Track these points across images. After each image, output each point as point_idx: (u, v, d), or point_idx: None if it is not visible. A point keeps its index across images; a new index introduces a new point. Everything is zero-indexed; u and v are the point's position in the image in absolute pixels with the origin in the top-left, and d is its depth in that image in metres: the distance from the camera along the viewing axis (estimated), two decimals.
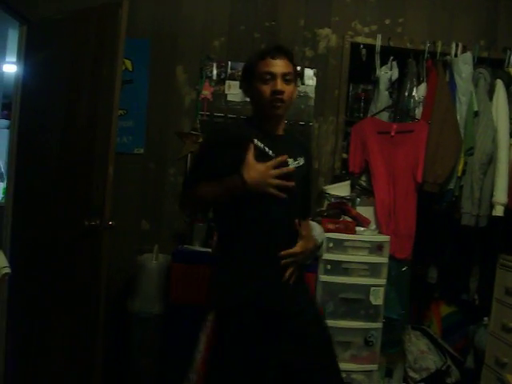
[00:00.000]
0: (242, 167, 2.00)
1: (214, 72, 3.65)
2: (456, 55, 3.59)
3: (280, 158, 2.05)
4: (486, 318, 3.66)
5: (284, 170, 2.05)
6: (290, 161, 2.14)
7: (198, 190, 2.09)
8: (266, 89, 2.07)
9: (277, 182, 2.02)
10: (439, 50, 3.63)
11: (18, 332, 3.23)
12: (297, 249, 2.13)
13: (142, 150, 3.67)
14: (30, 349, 3.10)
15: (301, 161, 2.19)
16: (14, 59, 3.92)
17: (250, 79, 2.13)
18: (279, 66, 2.08)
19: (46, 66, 3.29)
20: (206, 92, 3.63)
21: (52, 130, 3.20)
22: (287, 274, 2.08)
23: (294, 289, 2.14)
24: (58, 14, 3.25)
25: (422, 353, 3.67)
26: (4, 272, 2.22)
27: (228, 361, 2.06)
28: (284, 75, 2.08)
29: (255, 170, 2.00)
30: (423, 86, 3.60)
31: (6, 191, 3.57)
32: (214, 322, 2.30)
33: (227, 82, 3.65)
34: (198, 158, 2.28)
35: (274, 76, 2.07)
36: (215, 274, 2.21)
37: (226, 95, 3.65)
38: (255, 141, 2.07)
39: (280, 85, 2.06)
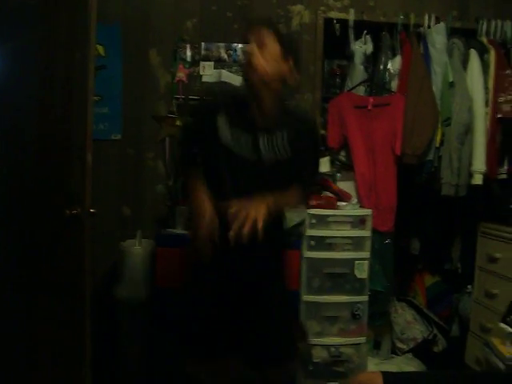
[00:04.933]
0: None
1: (188, 54, 3.62)
2: (429, 26, 3.59)
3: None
4: (469, 286, 3.72)
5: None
6: (281, 147, 2.15)
7: (189, 183, 2.26)
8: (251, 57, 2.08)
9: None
10: (412, 21, 3.63)
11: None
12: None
13: (119, 136, 3.64)
14: (16, 344, 3.09)
15: (295, 145, 2.17)
16: None
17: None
18: (267, 37, 2.10)
19: (17, 56, 3.23)
20: (181, 74, 3.59)
21: (27, 119, 3.15)
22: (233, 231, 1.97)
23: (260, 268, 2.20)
24: (26, 2, 3.19)
25: (408, 323, 3.72)
26: None
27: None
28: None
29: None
30: (398, 59, 3.59)
31: None
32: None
33: (201, 63, 3.62)
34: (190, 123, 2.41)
35: (263, 46, 2.08)
36: None
37: (200, 76, 3.63)
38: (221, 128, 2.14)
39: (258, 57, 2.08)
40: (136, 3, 3.62)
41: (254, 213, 1.95)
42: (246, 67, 2.11)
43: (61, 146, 2.93)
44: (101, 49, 3.53)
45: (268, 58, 2.08)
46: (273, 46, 2.09)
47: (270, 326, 2.27)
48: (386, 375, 1.58)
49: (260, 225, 1.94)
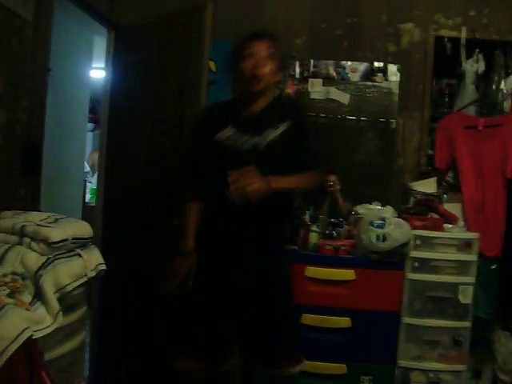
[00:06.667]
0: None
1: (297, 70, 3.68)
2: None
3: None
4: None
5: None
6: (269, 132, 2.26)
7: (185, 206, 2.39)
8: (245, 67, 2.26)
9: None
10: None
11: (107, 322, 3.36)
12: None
13: None
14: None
15: (282, 127, 2.27)
16: (100, 65, 4.06)
17: (235, 61, 2.33)
18: (256, 46, 2.29)
19: (133, 70, 3.39)
20: (290, 90, 3.65)
21: (140, 130, 3.29)
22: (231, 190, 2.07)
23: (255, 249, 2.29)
24: (144, 20, 3.35)
25: None
26: (100, 269, 2.29)
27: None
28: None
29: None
30: (511, 79, 3.49)
31: (97, 192, 3.71)
32: None
33: (310, 79, 3.67)
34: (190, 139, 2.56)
35: (251, 55, 2.27)
36: None
37: (309, 93, 3.67)
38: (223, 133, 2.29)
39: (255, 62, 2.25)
40: (248, 20, 3.71)
41: (249, 180, 2.06)
42: (250, 79, 2.26)
43: (171, 156, 3.03)
44: (212, 64, 3.63)
45: (269, 67, 2.28)
46: (268, 56, 2.29)
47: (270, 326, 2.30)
48: None
49: (253, 188, 2.04)
